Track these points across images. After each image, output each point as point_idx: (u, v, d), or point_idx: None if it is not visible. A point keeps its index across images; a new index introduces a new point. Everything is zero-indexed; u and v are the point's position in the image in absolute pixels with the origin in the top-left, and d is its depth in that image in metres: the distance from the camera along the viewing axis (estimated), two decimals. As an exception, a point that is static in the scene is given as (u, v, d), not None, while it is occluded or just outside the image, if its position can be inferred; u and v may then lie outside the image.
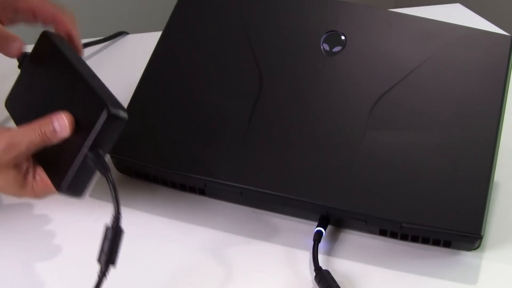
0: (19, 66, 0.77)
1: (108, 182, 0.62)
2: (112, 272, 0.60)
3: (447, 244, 0.69)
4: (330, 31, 0.78)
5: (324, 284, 0.65)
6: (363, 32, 0.78)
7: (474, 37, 0.76)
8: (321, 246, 0.69)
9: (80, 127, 0.65)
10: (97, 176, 0.76)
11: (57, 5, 0.79)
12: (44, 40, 0.75)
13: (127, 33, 1.11)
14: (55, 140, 0.65)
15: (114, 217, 0.60)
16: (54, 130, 0.65)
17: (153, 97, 0.77)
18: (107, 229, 0.60)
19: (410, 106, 0.73)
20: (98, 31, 1.09)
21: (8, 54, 0.75)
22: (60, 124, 0.65)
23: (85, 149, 0.63)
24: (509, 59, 0.74)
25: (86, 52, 1.03)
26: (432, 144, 0.71)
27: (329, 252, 0.70)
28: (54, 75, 0.71)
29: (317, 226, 0.70)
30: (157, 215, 0.74)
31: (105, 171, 0.62)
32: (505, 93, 0.73)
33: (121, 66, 0.99)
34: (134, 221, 0.73)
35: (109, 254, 0.59)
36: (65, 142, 0.65)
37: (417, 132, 0.72)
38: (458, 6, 1.23)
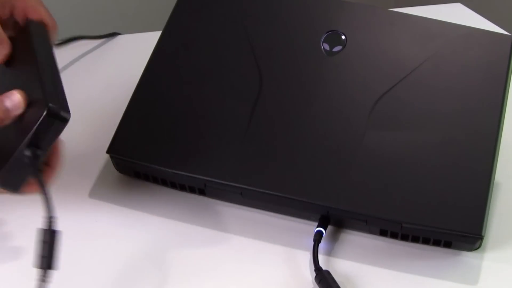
0: None
1: (39, 185, 0.59)
2: (109, 273, 0.59)
3: (447, 245, 0.69)
4: (330, 31, 0.78)
5: (324, 285, 0.65)
6: (364, 31, 0.78)
7: (475, 36, 0.76)
8: (322, 246, 0.69)
9: (23, 121, 0.62)
10: (96, 177, 0.76)
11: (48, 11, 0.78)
12: (25, 28, 0.72)
13: (119, 34, 1.10)
14: (8, 119, 0.62)
15: (48, 219, 0.58)
16: (7, 109, 0.61)
17: (152, 96, 0.77)
18: (41, 231, 0.57)
19: (410, 106, 0.73)
20: (91, 32, 1.09)
21: None
22: (13, 101, 0.62)
23: (22, 148, 0.60)
24: (509, 58, 0.74)
25: (79, 51, 1.03)
26: (433, 144, 0.71)
27: (330, 253, 0.70)
28: (18, 63, 0.69)
29: (317, 227, 0.70)
30: (156, 215, 0.73)
31: (36, 173, 0.60)
32: (506, 93, 0.73)
33: (115, 67, 0.99)
34: (134, 221, 0.72)
35: (48, 259, 0.56)
36: (6, 134, 0.62)
37: (417, 132, 0.71)
38: (458, 6, 1.23)
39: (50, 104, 0.59)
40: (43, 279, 0.56)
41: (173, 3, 0.82)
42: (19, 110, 0.62)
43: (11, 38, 0.71)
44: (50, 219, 0.58)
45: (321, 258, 0.68)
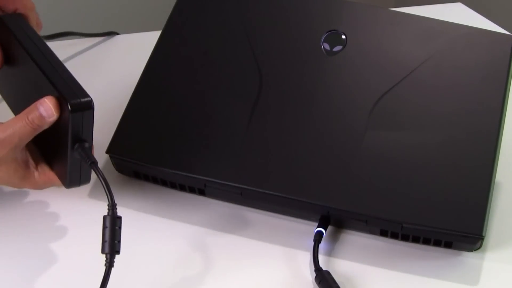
0: None
1: (97, 174, 0.63)
2: (113, 272, 0.59)
3: (448, 245, 0.69)
4: (330, 31, 0.78)
5: (324, 285, 0.65)
6: (364, 31, 0.78)
7: (476, 36, 0.76)
8: (322, 246, 0.69)
9: (60, 123, 0.66)
10: (95, 177, 0.76)
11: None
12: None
13: (117, 33, 1.10)
14: (45, 125, 0.66)
15: (110, 206, 0.61)
16: (42, 116, 0.65)
17: (152, 96, 0.77)
18: (104, 218, 0.60)
19: (411, 106, 0.73)
20: (90, 31, 1.09)
21: None
22: (46, 109, 0.65)
23: (70, 149, 0.65)
24: (510, 58, 0.74)
25: (78, 50, 1.03)
26: (433, 144, 0.70)
27: (330, 253, 0.69)
28: (20, 67, 0.71)
29: (317, 227, 0.70)
30: (156, 215, 0.73)
31: (91, 163, 0.64)
32: (506, 92, 0.73)
33: (115, 67, 0.99)
34: (133, 221, 0.72)
35: (112, 244, 0.60)
36: (54, 134, 0.66)
37: (418, 132, 0.71)
38: (459, 5, 1.23)
39: (71, 101, 0.63)
40: (110, 264, 0.59)
41: (172, 2, 0.82)
42: (53, 117, 0.65)
43: None
44: (111, 206, 0.61)
45: (321, 259, 0.68)
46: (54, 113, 0.65)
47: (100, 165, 0.75)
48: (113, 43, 1.07)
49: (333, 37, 0.77)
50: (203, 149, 0.73)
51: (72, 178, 0.68)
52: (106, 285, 0.59)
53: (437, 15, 0.79)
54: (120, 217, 0.61)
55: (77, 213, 0.73)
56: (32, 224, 0.72)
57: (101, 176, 0.63)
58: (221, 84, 0.76)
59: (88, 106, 0.65)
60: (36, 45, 0.70)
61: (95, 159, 0.65)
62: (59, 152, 0.67)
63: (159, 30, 0.82)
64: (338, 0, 0.80)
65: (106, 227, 0.60)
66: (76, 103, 0.64)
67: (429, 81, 0.74)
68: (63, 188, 0.69)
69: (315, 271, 0.66)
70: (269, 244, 0.70)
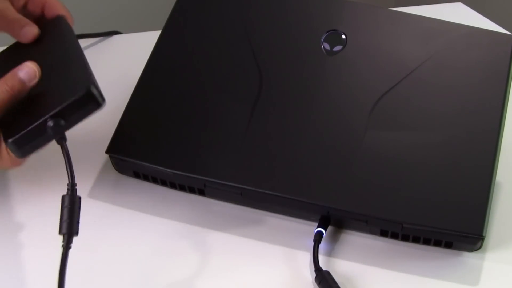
0: None
1: (62, 151, 0.61)
2: (108, 273, 0.59)
3: (448, 245, 0.68)
4: (330, 30, 0.78)
5: (324, 285, 0.64)
6: (364, 31, 0.78)
7: (476, 36, 0.76)
8: (322, 246, 0.69)
9: (53, 95, 0.64)
10: (95, 177, 0.75)
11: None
12: (54, 22, 0.75)
13: (119, 33, 1.10)
14: (25, 90, 0.64)
15: (70, 186, 0.59)
16: (22, 81, 0.64)
17: (152, 96, 0.77)
18: (63, 198, 0.59)
19: (411, 106, 0.73)
20: (89, 30, 1.09)
21: (21, 38, 0.73)
22: (28, 72, 0.64)
23: (48, 116, 0.62)
24: (511, 58, 0.74)
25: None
26: (434, 144, 0.70)
27: (330, 253, 0.69)
28: (47, 48, 0.71)
29: (317, 227, 0.69)
30: (156, 215, 0.73)
31: (61, 139, 0.62)
32: (507, 92, 0.73)
33: (114, 66, 0.98)
34: (133, 221, 0.72)
35: (69, 224, 0.58)
36: (32, 105, 0.64)
37: (418, 132, 0.71)
38: (459, 5, 1.23)
39: (91, 86, 0.63)
40: (66, 245, 0.58)
41: (172, 2, 0.82)
42: (33, 81, 0.64)
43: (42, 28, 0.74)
44: (71, 186, 0.59)
45: (321, 259, 0.68)
46: (37, 76, 0.64)
47: (99, 165, 0.75)
48: (114, 43, 1.07)
49: (333, 37, 0.77)
50: (203, 149, 0.72)
51: (22, 139, 0.63)
52: (65, 268, 0.57)
53: (437, 15, 0.78)
54: (80, 198, 0.59)
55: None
56: (30, 224, 0.72)
57: (66, 154, 0.61)
58: (221, 84, 0.76)
59: (99, 104, 0.64)
60: (77, 45, 0.71)
61: (66, 137, 0.62)
62: (26, 116, 0.64)
63: (160, 29, 0.81)
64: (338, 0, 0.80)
65: (66, 207, 0.59)
66: (94, 91, 0.63)
67: (429, 81, 0.74)
68: (63, 188, 0.69)
69: (315, 271, 0.66)
70: (269, 244, 0.70)
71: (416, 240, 0.69)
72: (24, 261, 0.68)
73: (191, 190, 0.74)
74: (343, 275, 0.67)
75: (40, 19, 0.76)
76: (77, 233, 0.58)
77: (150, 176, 0.75)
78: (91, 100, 0.63)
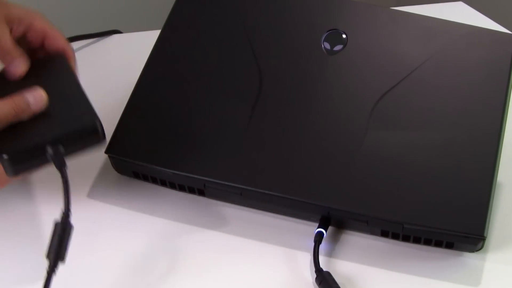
0: None
1: (62, 177, 0.61)
2: (107, 273, 0.59)
3: (449, 246, 0.68)
4: (331, 30, 0.78)
5: (325, 286, 0.64)
6: (365, 30, 0.77)
7: (477, 35, 0.76)
8: (322, 247, 0.69)
9: (56, 120, 0.64)
10: (94, 177, 0.75)
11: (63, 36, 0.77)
12: (54, 57, 0.74)
13: (120, 32, 1.10)
14: (29, 113, 0.64)
15: (64, 213, 0.59)
16: (28, 103, 0.63)
17: (152, 96, 0.77)
18: (56, 224, 0.59)
19: (412, 105, 0.72)
20: (89, 30, 1.09)
21: (7, 72, 0.70)
22: (35, 96, 0.64)
23: (52, 136, 0.63)
24: (512, 58, 0.74)
25: (76, 46, 1.03)
26: (435, 144, 0.70)
27: (330, 254, 0.69)
28: (47, 77, 0.71)
29: (318, 227, 0.69)
30: (156, 216, 0.73)
31: (61, 165, 0.62)
32: (508, 92, 0.72)
33: (114, 66, 0.99)
34: (132, 222, 0.72)
35: (57, 250, 0.58)
36: (32, 125, 0.64)
37: (419, 132, 0.71)
38: (460, 4, 1.23)
39: (97, 120, 0.64)
40: (51, 270, 0.57)
41: (172, 1, 0.82)
42: (39, 105, 0.64)
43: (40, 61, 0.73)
44: (65, 214, 0.59)
45: (321, 259, 0.67)
46: (43, 102, 0.64)
47: (99, 165, 0.75)
48: (114, 42, 1.07)
49: (334, 36, 0.77)
50: (203, 149, 0.72)
51: (16, 157, 0.62)
52: None
53: (438, 14, 0.78)
54: (72, 226, 0.59)
55: (75, 213, 0.73)
56: (28, 224, 0.71)
57: (65, 181, 0.61)
58: (221, 84, 0.76)
59: (99, 140, 0.65)
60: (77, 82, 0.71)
61: (65, 163, 0.62)
62: (26, 137, 0.64)
63: (160, 29, 0.81)
64: (338, -1, 0.80)
65: (57, 233, 0.59)
66: (100, 127, 0.64)
67: (430, 81, 0.74)
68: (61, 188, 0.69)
69: (315, 272, 0.66)
70: (269, 244, 0.70)
71: (417, 240, 0.69)
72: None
73: (191, 190, 0.74)
74: (343, 276, 0.66)
75: (38, 50, 0.75)
76: (63, 260, 0.58)
77: (149, 176, 0.74)
78: (94, 134, 0.64)
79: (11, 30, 0.72)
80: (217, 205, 0.74)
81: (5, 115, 0.63)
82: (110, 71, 0.97)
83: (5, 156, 0.61)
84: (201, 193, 0.74)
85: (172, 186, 0.74)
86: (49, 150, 0.62)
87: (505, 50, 0.74)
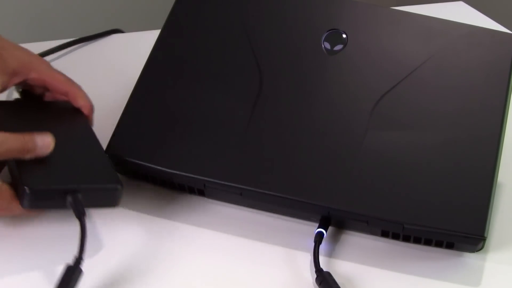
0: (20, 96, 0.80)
1: (80, 226, 0.63)
2: (106, 274, 0.59)
3: (450, 246, 0.68)
4: (331, 29, 0.77)
5: (325, 286, 0.64)
6: (365, 30, 0.77)
7: (478, 35, 0.76)
8: (322, 247, 0.69)
9: (81, 172, 0.68)
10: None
11: (65, 75, 0.78)
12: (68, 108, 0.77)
13: (121, 31, 1.10)
14: (33, 154, 0.65)
15: (77, 259, 0.61)
16: (35, 145, 0.65)
17: (152, 96, 0.76)
18: (67, 267, 0.61)
19: (412, 105, 0.72)
20: (92, 30, 1.09)
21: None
22: (44, 141, 0.66)
23: (73, 185, 0.65)
24: (513, 58, 0.74)
25: (76, 45, 1.03)
26: (435, 144, 0.70)
27: (330, 254, 0.69)
28: (67, 130, 0.74)
29: (318, 227, 0.69)
30: (155, 216, 0.73)
31: (80, 214, 0.64)
32: (509, 92, 0.72)
33: (116, 65, 0.98)
34: (132, 222, 0.72)
35: None
36: (59, 166, 0.67)
37: (419, 132, 0.71)
38: (461, 4, 1.23)
39: (120, 185, 0.67)
40: None
41: (172, 1, 0.81)
42: (44, 150, 0.66)
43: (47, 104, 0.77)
44: (78, 260, 0.62)
45: (322, 260, 0.67)
46: (50, 149, 0.66)
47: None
48: (114, 41, 1.07)
49: (334, 36, 0.77)
50: (203, 149, 0.72)
51: (38, 195, 0.65)
52: None
53: (438, 14, 0.78)
54: (82, 271, 0.62)
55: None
56: (29, 226, 0.71)
57: (83, 229, 0.63)
58: (221, 84, 0.76)
59: (115, 204, 0.68)
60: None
61: (85, 212, 0.65)
62: (51, 172, 0.67)
63: (160, 28, 0.81)
64: (338, -2, 0.80)
65: (67, 276, 0.60)
66: (120, 191, 0.67)
67: (430, 81, 0.73)
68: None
69: (315, 272, 0.66)
70: (269, 245, 0.70)
71: (417, 240, 0.69)
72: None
73: (191, 191, 0.74)
74: (344, 276, 0.66)
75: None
76: None
77: (149, 176, 0.74)
78: (113, 197, 0.67)
79: (7, 82, 0.73)
80: (217, 205, 0.74)
81: (11, 148, 0.64)
82: (111, 70, 0.97)
83: (26, 190, 0.63)
84: (201, 193, 0.73)
85: (172, 186, 0.74)
86: (69, 198, 0.64)
87: (506, 50, 0.74)
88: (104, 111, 0.81)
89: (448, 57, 0.75)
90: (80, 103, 0.77)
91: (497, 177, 0.69)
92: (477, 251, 0.69)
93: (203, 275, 0.67)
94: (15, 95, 0.81)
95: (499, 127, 0.70)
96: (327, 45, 0.77)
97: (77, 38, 1.04)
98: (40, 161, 0.66)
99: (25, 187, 0.63)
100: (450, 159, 0.69)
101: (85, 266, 0.62)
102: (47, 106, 0.78)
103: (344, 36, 0.77)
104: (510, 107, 0.72)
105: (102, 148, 0.72)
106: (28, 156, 0.65)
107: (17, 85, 0.77)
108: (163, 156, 0.72)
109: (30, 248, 0.68)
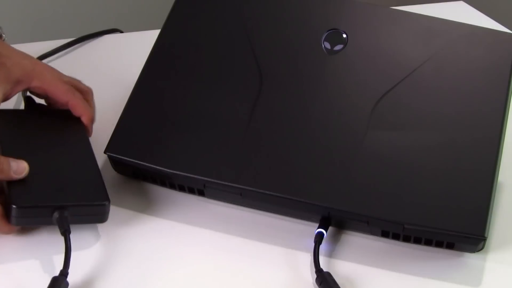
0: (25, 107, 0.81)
1: (65, 242, 0.64)
2: (106, 274, 0.59)
3: (450, 246, 0.68)
4: (331, 29, 0.77)
5: (325, 286, 0.64)
6: (365, 30, 0.77)
7: (478, 35, 0.76)
8: (322, 247, 0.68)
9: (69, 187, 0.68)
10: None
11: (69, 82, 0.78)
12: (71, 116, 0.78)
13: (120, 31, 1.10)
14: (6, 177, 0.66)
15: (63, 273, 0.62)
16: (10, 168, 0.66)
17: (151, 95, 0.76)
18: (53, 280, 0.62)
19: (412, 105, 0.72)
20: (91, 30, 1.09)
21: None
22: (19, 166, 0.67)
23: (59, 202, 0.66)
24: (513, 58, 0.74)
25: (76, 47, 1.03)
26: (435, 144, 0.70)
27: (330, 254, 0.69)
28: (63, 141, 0.75)
29: (318, 228, 0.69)
30: (155, 216, 0.73)
31: (65, 231, 0.65)
32: (509, 92, 0.72)
33: (115, 65, 0.98)
34: (131, 222, 0.72)
35: None
36: (46, 183, 0.68)
37: (419, 132, 0.71)
38: (461, 4, 1.23)
39: (108, 202, 0.68)
40: None
41: (172, 1, 0.81)
42: (18, 175, 0.67)
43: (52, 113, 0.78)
44: (63, 274, 0.62)
45: (322, 260, 0.67)
46: (23, 175, 0.67)
47: (98, 165, 0.74)
48: (114, 42, 1.07)
49: (334, 36, 0.77)
50: (203, 149, 0.72)
51: (24, 212, 0.67)
52: None
53: (439, 14, 0.78)
54: (68, 284, 0.62)
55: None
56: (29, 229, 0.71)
57: (68, 247, 0.64)
58: (221, 83, 0.76)
59: (102, 221, 0.69)
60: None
61: (70, 229, 0.65)
62: (36, 190, 0.68)
63: (160, 28, 0.81)
64: (339, -2, 0.80)
65: None
66: (108, 209, 0.68)
67: (431, 81, 0.73)
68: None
69: (315, 272, 0.65)
70: (269, 245, 0.70)
71: (417, 241, 0.69)
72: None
73: (191, 191, 0.74)
74: (344, 276, 0.66)
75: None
76: None
77: (149, 177, 0.74)
78: (101, 213, 0.68)
79: (10, 91, 0.74)
80: (217, 206, 0.74)
81: None
82: (110, 70, 0.97)
83: (13, 207, 0.65)
84: (201, 193, 0.73)
85: (172, 186, 0.74)
86: (56, 214, 0.65)
87: (506, 50, 0.74)
88: (103, 111, 0.81)
89: (449, 57, 0.74)
90: (79, 113, 0.77)
91: (497, 177, 0.68)
92: (478, 251, 0.69)
93: (203, 275, 0.66)
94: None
95: (499, 126, 0.70)
96: (327, 45, 0.76)
97: (76, 38, 1.04)
98: (30, 178, 0.68)
99: (12, 205, 0.65)
100: (451, 158, 0.69)
101: (82, 266, 0.62)
102: (48, 115, 0.79)
103: (344, 36, 0.77)
104: (510, 107, 0.72)
105: (95, 162, 0.72)
106: (1, 177, 0.66)
107: (22, 91, 0.79)
108: (163, 156, 0.72)
109: (18, 257, 0.68)
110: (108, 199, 0.68)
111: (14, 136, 0.73)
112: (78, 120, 0.77)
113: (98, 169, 0.72)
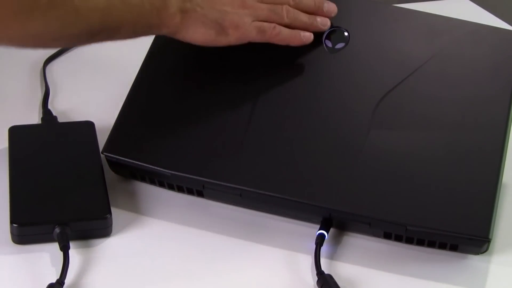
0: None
1: (63, 257, 0.64)
2: (105, 274, 0.58)
3: (453, 248, 0.68)
4: (332, 27, 0.77)
5: (326, 289, 0.64)
6: (367, 28, 0.77)
7: (482, 33, 0.75)
8: (324, 249, 0.68)
9: (70, 205, 0.69)
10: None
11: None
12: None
13: None
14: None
15: (58, 281, 0.62)
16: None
17: (149, 95, 0.76)
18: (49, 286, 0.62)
19: (415, 105, 0.72)
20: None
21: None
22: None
23: (59, 219, 0.67)
24: (518, 56, 0.73)
25: (77, 47, 1.02)
26: (438, 144, 0.69)
27: (332, 256, 0.69)
28: (73, 156, 0.76)
29: (319, 229, 0.69)
30: (153, 217, 0.72)
31: (64, 247, 0.65)
32: (514, 91, 0.72)
33: (114, 64, 0.98)
34: (130, 223, 0.71)
35: None
36: (48, 200, 0.69)
37: (422, 132, 0.70)
38: (465, 1, 1.23)
39: (110, 215, 0.68)
40: None
41: None
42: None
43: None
44: (60, 282, 0.62)
45: (323, 262, 0.67)
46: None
47: (105, 179, 0.74)
48: (113, 41, 1.07)
49: (336, 34, 0.77)
50: (202, 149, 0.72)
51: (25, 229, 0.68)
52: None
53: (442, 12, 0.78)
54: None
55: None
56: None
57: (66, 261, 0.64)
58: (220, 83, 0.75)
59: (105, 233, 0.69)
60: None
61: (69, 245, 0.66)
62: (38, 207, 0.69)
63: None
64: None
65: None
66: (110, 222, 0.69)
67: (434, 79, 0.73)
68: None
69: (317, 274, 0.65)
70: (270, 247, 0.69)
71: (420, 242, 0.68)
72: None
73: (190, 192, 0.73)
74: (345, 279, 0.66)
75: None
76: None
77: (147, 177, 0.74)
78: (103, 228, 0.68)
79: None
80: (216, 207, 0.74)
81: None
82: (108, 69, 0.97)
83: (13, 226, 0.66)
84: (200, 194, 0.73)
85: (171, 187, 0.74)
86: (57, 230, 0.66)
87: (510, 48, 0.74)
88: (102, 110, 0.80)
89: (452, 55, 0.74)
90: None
91: (502, 177, 0.68)
92: (482, 253, 0.68)
93: (202, 276, 0.66)
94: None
95: (504, 126, 0.70)
96: (329, 43, 0.76)
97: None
98: (33, 194, 0.69)
99: (13, 224, 0.66)
100: (454, 159, 0.69)
101: (81, 266, 0.62)
102: (62, 129, 0.81)
103: (346, 34, 0.76)
104: (515, 106, 0.72)
105: (102, 176, 0.73)
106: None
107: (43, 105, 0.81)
108: (161, 157, 0.72)
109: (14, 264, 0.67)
110: (109, 213, 0.68)
111: (25, 153, 0.75)
112: (91, 134, 0.78)
113: (105, 183, 0.72)
